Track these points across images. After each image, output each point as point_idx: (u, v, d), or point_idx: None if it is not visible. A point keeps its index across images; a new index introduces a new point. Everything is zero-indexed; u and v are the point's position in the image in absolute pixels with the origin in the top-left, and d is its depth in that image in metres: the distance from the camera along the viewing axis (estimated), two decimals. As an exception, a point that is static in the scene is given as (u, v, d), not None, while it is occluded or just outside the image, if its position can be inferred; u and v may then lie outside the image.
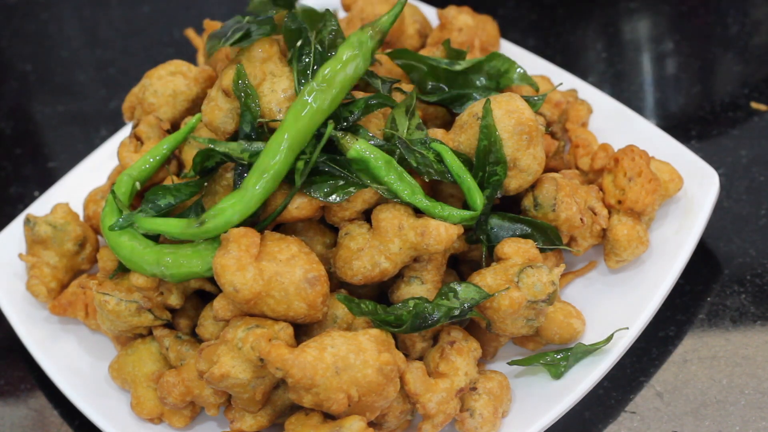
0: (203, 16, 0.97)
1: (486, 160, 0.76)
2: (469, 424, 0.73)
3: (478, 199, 0.76)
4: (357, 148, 0.73)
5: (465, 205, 0.78)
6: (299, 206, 0.75)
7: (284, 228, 0.78)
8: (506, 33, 1.02)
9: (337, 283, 0.77)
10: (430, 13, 1.01)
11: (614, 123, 0.91)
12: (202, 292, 0.81)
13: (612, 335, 0.76)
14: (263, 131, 0.76)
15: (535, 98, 0.82)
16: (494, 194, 0.77)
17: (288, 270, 0.70)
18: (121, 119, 1.05)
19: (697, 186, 0.84)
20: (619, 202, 0.81)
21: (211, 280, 0.79)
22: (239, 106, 0.76)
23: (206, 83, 0.86)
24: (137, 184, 0.79)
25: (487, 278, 0.75)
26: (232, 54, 0.80)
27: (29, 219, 0.87)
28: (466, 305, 0.73)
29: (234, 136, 0.78)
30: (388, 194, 0.75)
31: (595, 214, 0.81)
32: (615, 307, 0.80)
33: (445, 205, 0.75)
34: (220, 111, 0.76)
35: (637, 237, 0.81)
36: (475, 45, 0.93)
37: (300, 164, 0.74)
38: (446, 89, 0.84)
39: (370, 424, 0.71)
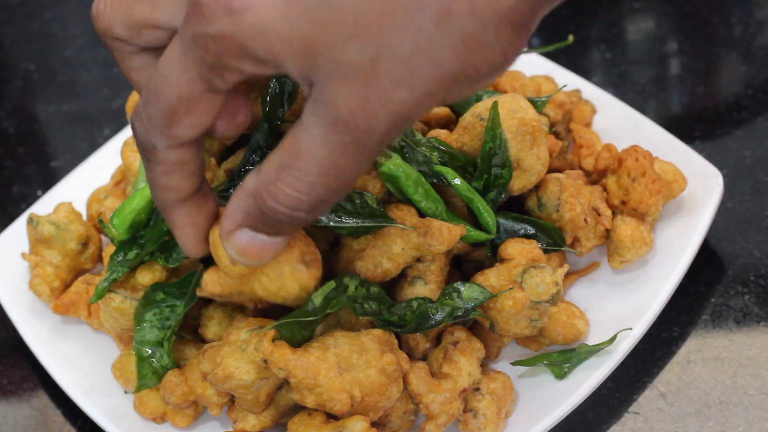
0: (207, 16, 0.97)
1: (491, 163, 0.76)
2: (472, 425, 0.73)
3: (490, 221, 0.76)
4: (390, 166, 0.73)
5: (470, 210, 0.78)
6: None
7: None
8: (510, 33, 1.02)
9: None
10: (434, 12, 1.00)
11: (618, 123, 0.91)
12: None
13: (615, 336, 0.76)
14: (275, 141, 0.75)
15: (539, 99, 0.82)
16: (499, 197, 0.77)
17: (285, 249, 0.68)
18: (124, 118, 1.05)
19: (701, 186, 0.84)
20: (623, 202, 0.81)
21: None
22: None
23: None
24: None
25: (491, 278, 0.75)
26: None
27: (32, 218, 0.87)
28: (469, 305, 0.73)
29: (240, 141, 0.77)
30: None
31: (598, 214, 0.81)
32: (618, 308, 0.80)
33: (465, 224, 0.75)
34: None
35: (641, 237, 0.81)
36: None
37: None
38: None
39: (374, 424, 0.71)
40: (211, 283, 0.67)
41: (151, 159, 0.57)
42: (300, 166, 0.52)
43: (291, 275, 0.67)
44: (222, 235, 0.58)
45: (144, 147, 0.57)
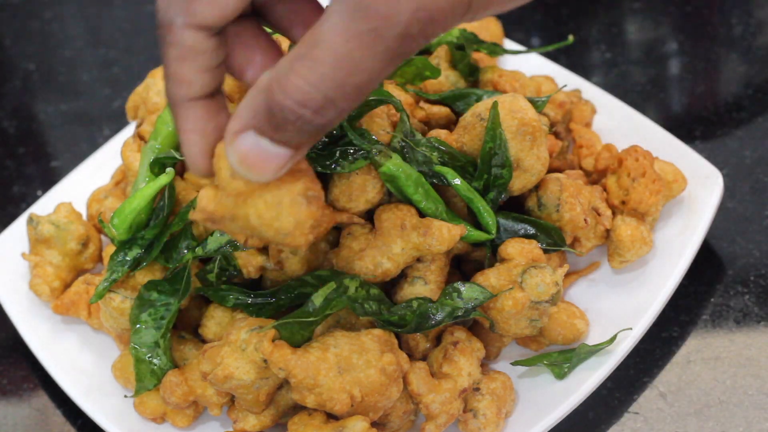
0: (207, 16, 0.97)
1: (491, 163, 0.76)
2: (472, 425, 0.73)
3: (490, 221, 0.76)
4: (390, 166, 0.73)
5: (470, 210, 0.78)
6: None
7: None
8: (510, 33, 1.02)
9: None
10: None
11: (618, 123, 0.91)
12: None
13: (615, 336, 0.76)
14: None
15: (539, 99, 0.82)
16: (499, 197, 0.77)
17: (289, 178, 0.63)
18: (124, 118, 1.05)
19: (701, 186, 0.84)
20: (623, 202, 0.81)
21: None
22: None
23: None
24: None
25: (491, 278, 0.75)
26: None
27: (32, 218, 0.87)
28: (469, 305, 0.73)
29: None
30: None
31: (598, 214, 0.81)
32: (618, 308, 0.80)
33: (465, 224, 0.75)
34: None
35: (641, 237, 0.81)
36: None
37: None
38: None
39: (374, 424, 0.71)
40: (206, 199, 0.61)
41: (167, 39, 0.55)
42: (314, 55, 0.49)
43: (289, 206, 0.62)
44: (226, 138, 0.55)
45: (162, 25, 0.55)
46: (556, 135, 0.88)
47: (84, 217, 0.90)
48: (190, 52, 0.55)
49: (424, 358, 0.77)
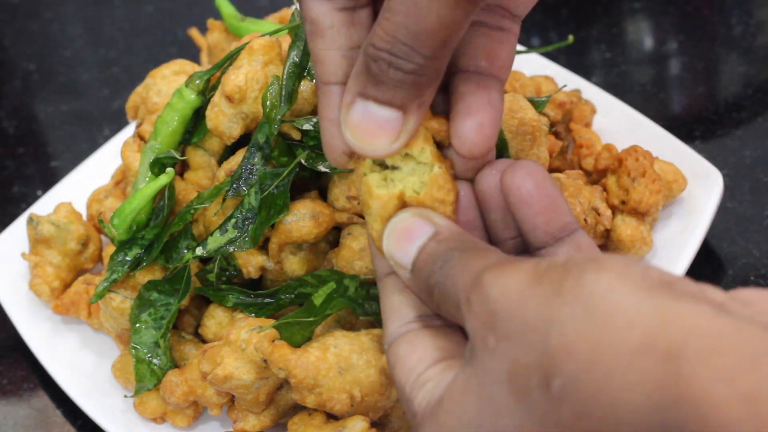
0: (207, 16, 0.97)
1: (490, 162, 0.76)
2: (472, 425, 0.73)
3: None
4: None
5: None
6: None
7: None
8: (510, 33, 1.02)
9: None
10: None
11: (618, 123, 0.91)
12: (206, 292, 0.81)
13: (615, 336, 0.76)
14: (276, 141, 0.75)
15: (539, 98, 0.82)
16: (498, 196, 0.77)
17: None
18: (124, 119, 1.05)
19: (701, 186, 0.84)
20: (623, 202, 0.81)
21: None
22: (243, 111, 0.76)
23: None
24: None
25: (491, 279, 0.74)
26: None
27: (32, 218, 0.87)
28: (469, 305, 0.73)
29: (240, 141, 0.77)
30: None
31: (598, 214, 0.81)
32: (618, 308, 0.79)
33: None
34: (224, 116, 0.76)
35: (641, 237, 0.81)
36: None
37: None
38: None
39: (374, 424, 0.71)
40: None
41: (303, 14, 0.55)
42: (390, 6, 0.50)
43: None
44: (341, 112, 0.54)
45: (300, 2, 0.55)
46: (556, 135, 0.88)
47: (84, 217, 0.90)
48: (319, 28, 0.54)
49: (424, 358, 0.76)
